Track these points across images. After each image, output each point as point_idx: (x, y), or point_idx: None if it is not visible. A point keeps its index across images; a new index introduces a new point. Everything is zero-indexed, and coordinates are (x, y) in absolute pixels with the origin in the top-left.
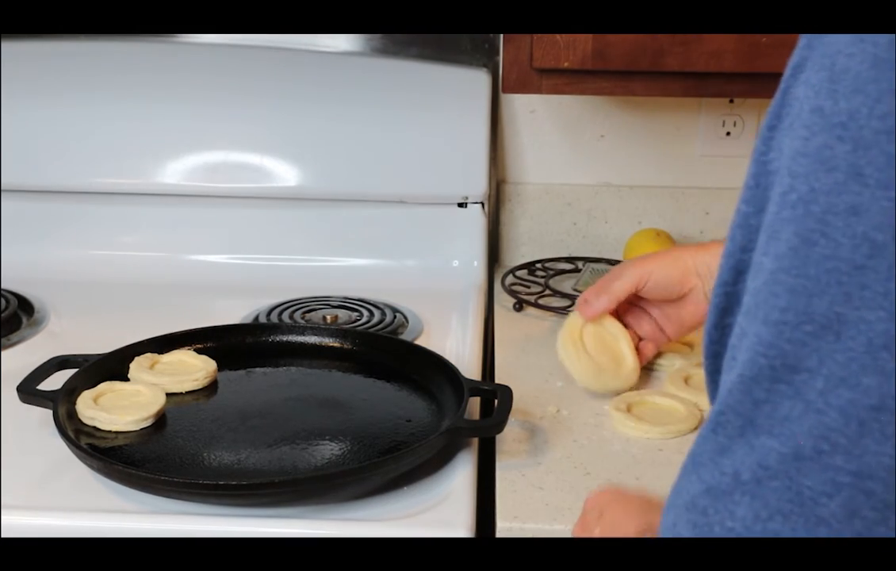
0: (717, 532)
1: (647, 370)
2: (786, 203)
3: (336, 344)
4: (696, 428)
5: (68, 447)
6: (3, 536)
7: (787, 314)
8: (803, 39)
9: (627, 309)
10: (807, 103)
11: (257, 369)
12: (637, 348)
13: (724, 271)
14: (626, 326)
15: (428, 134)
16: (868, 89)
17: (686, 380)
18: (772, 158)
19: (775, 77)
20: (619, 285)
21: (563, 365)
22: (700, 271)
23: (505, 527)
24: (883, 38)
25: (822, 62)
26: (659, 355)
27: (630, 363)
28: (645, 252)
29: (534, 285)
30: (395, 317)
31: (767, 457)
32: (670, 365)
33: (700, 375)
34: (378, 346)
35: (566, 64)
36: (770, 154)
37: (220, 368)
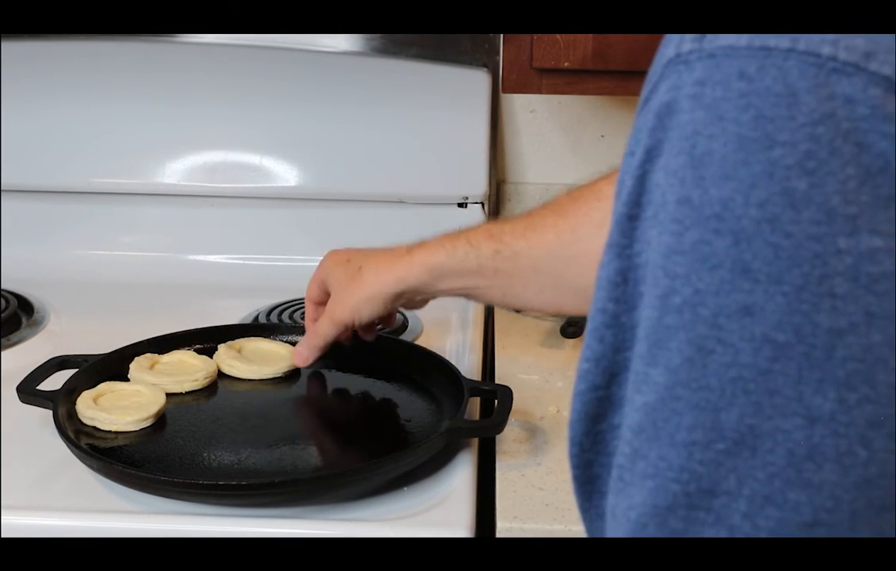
0: None
1: None
2: (669, 308)
3: (336, 344)
4: None
5: (68, 447)
6: (2, 536)
7: (694, 433)
8: (650, 119)
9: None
10: (671, 193)
11: None
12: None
13: (591, 374)
14: None
15: (428, 134)
16: (739, 174)
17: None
18: (638, 251)
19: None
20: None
21: None
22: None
23: (505, 527)
24: (744, 115)
25: (681, 145)
26: None
27: None
28: None
29: None
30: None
31: None
32: None
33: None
34: (378, 346)
35: (566, 64)
36: (635, 246)
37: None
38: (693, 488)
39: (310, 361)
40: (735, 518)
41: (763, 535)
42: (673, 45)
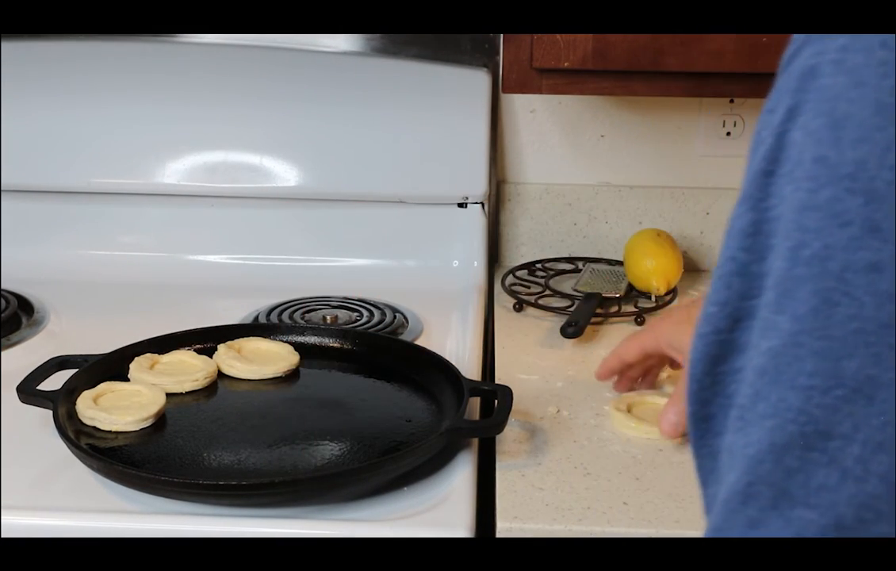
0: None
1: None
2: (799, 260)
3: (336, 344)
4: None
5: (68, 447)
6: (3, 536)
7: (814, 379)
8: (792, 80)
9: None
10: (808, 152)
11: None
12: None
13: (716, 318)
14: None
15: (428, 134)
16: (875, 138)
17: (629, 409)
18: (772, 205)
19: (775, 77)
20: (624, 352)
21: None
22: None
23: (505, 527)
24: (884, 82)
25: (820, 107)
26: None
27: None
28: (645, 252)
29: (534, 285)
30: (395, 317)
31: (806, 530)
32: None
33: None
34: (378, 346)
35: (566, 64)
36: (769, 200)
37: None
38: (810, 430)
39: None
40: (848, 462)
41: (873, 479)
42: None
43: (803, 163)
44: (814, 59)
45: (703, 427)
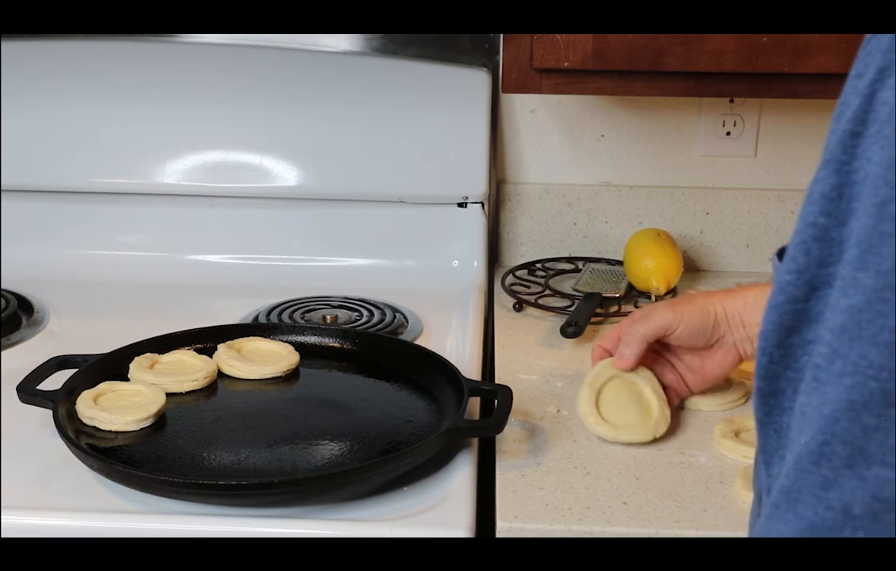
0: None
1: (679, 409)
2: (886, 215)
3: (336, 344)
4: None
5: (68, 447)
6: (3, 536)
7: None
8: (883, 41)
9: (650, 357)
10: None
11: None
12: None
13: (792, 286)
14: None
15: (428, 134)
16: None
17: (736, 434)
18: (857, 168)
19: (775, 77)
20: (649, 328)
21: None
22: (730, 321)
23: (505, 527)
24: None
25: None
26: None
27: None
28: (645, 252)
29: (534, 285)
30: (395, 317)
31: (883, 489)
32: (703, 405)
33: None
34: (378, 346)
35: (566, 64)
36: (855, 163)
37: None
38: (891, 387)
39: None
40: None
41: None
42: None
43: (893, 121)
44: None
45: (770, 403)
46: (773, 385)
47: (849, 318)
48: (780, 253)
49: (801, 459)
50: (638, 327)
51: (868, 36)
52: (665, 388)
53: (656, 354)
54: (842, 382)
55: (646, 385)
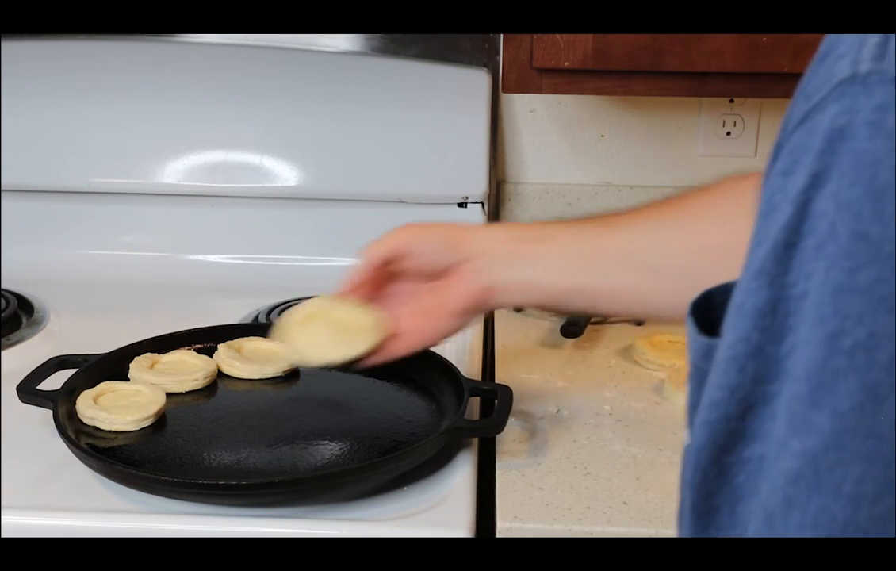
0: None
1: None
2: (838, 349)
3: None
4: None
5: (68, 447)
6: (3, 536)
7: (863, 486)
8: (817, 141)
9: (387, 296)
10: (843, 226)
11: None
12: (393, 338)
13: (725, 404)
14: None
15: (428, 134)
16: None
17: None
18: (793, 282)
19: (775, 77)
20: (380, 248)
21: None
22: (476, 247)
23: (505, 527)
24: None
25: (856, 175)
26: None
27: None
28: None
29: None
30: None
31: None
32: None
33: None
34: None
35: (566, 64)
36: (790, 276)
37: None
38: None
39: None
40: None
41: None
42: (847, 63)
43: (837, 238)
44: (843, 118)
45: (705, 522)
46: (709, 503)
47: (805, 464)
48: (695, 308)
49: None
50: (369, 249)
51: (791, 123)
52: (398, 334)
53: (394, 293)
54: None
55: (358, 318)
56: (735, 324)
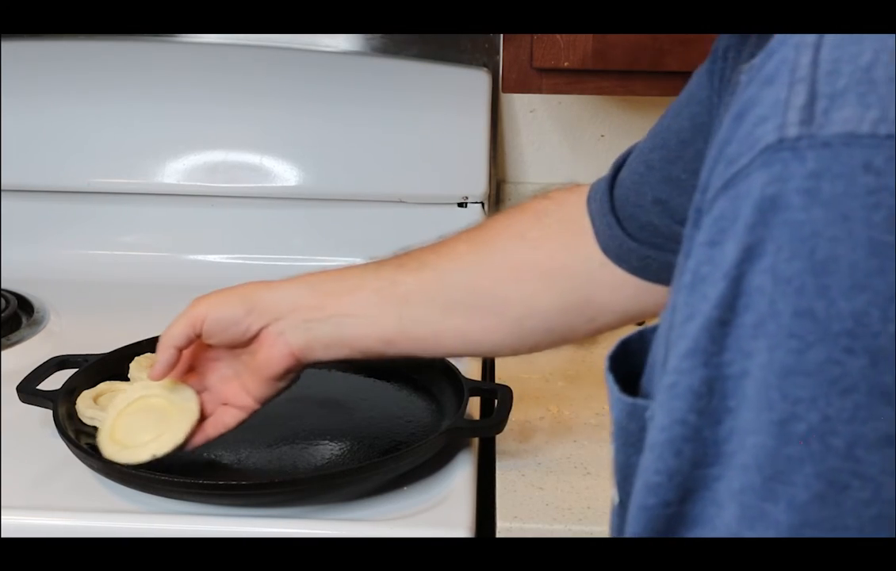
0: None
1: None
2: (790, 437)
3: None
4: None
5: (68, 447)
6: (2, 536)
7: None
8: (748, 212)
9: (208, 363)
10: (785, 303)
11: None
12: (221, 410)
13: (663, 489)
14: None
15: (428, 134)
16: (874, 285)
17: None
18: (729, 361)
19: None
20: (176, 329)
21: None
22: (277, 309)
23: (505, 527)
24: (875, 216)
25: (794, 249)
26: None
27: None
28: None
29: None
30: None
31: None
32: None
33: None
34: None
35: (566, 64)
36: (726, 355)
37: None
38: None
39: None
40: None
41: None
42: (771, 126)
43: (779, 316)
44: (773, 187)
45: None
46: None
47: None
48: (612, 360)
49: None
50: (168, 331)
51: (712, 189)
52: (226, 403)
53: (214, 361)
54: None
55: (176, 401)
56: (669, 406)
